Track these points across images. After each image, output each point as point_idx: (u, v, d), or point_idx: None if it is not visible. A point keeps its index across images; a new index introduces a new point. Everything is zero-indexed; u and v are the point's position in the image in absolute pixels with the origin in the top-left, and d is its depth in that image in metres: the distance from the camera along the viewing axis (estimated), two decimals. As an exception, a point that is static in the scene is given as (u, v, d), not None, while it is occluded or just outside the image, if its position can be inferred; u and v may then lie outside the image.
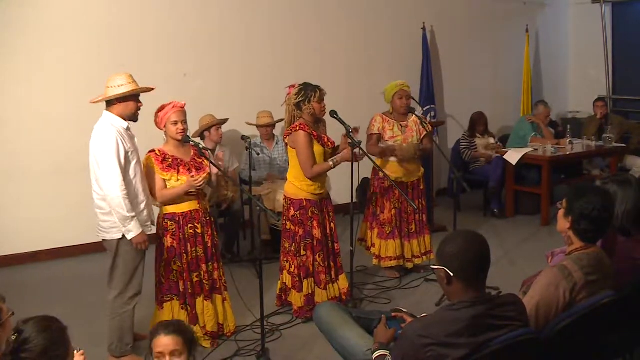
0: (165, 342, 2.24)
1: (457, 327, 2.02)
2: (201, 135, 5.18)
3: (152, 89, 3.48)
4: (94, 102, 3.42)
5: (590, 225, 2.42)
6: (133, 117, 3.43)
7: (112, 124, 3.33)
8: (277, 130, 5.73)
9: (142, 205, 3.44)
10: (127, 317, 3.48)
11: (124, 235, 3.36)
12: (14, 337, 1.85)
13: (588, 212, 2.40)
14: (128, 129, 3.40)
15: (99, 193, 3.34)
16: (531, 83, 8.04)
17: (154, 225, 3.62)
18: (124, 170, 3.30)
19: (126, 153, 3.31)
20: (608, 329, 2.45)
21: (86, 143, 3.36)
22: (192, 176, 3.54)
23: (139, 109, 3.44)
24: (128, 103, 3.36)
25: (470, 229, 2.28)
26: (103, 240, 3.44)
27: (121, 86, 3.31)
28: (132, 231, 3.32)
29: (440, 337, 2.01)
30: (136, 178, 3.40)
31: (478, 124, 6.83)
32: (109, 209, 3.32)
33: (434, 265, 2.19)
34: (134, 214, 3.31)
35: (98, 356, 3.46)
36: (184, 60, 5.80)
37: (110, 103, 3.37)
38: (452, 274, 2.09)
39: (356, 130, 3.96)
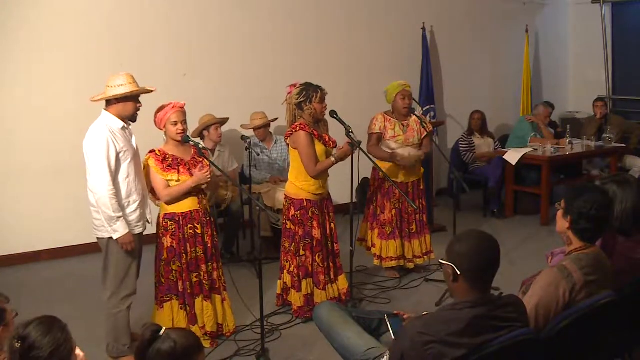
0: None
1: (458, 327, 2.03)
2: (200, 135, 5.18)
3: (152, 91, 3.48)
4: (93, 101, 3.42)
5: (588, 224, 2.43)
6: (131, 118, 3.43)
7: (106, 123, 3.33)
8: (276, 130, 5.73)
9: (135, 205, 3.43)
10: (122, 318, 3.47)
11: None
12: (18, 345, 1.81)
13: (587, 211, 2.41)
14: (124, 128, 3.40)
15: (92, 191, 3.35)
16: (531, 83, 8.04)
17: (149, 223, 3.60)
18: (115, 170, 3.30)
19: (117, 153, 3.30)
20: (608, 329, 2.45)
21: (86, 143, 3.35)
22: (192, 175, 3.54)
23: (138, 110, 3.43)
24: (127, 103, 3.36)
25: (483, 232, 2.23)
26: (97, 238, 3.44)
27: (121, 86, 3.31)
28: (118, 231, 3.32)
29: (442, 336, 2.02)
30: (129, 178, 3.38)
31: (471, 122, 6.84)
32: None
33: (442, 260, 2.19)
34: (120, 214, 3.30)
35: (98, 356, 3.46)
36: (184, 60, 5.81)
37: (109, 102, 3.37)
38: (459, 272, 2.10)
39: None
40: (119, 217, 3.30)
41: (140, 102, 3.43)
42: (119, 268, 3.43)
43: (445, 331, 2.02)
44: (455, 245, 2.15)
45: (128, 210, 3.39)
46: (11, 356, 1.83)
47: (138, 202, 3.44)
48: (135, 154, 3.47)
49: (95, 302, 4.14)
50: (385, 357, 2.29)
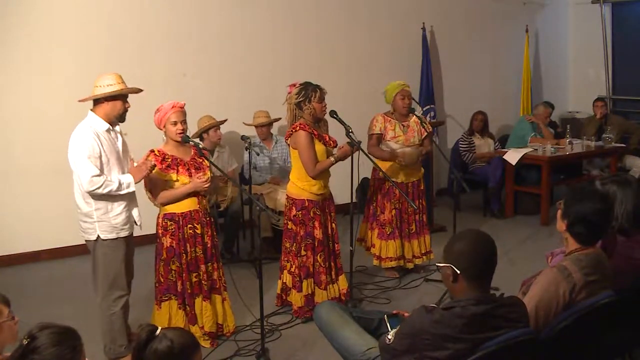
0: None
1: (459, 324, 2.04)
2: (200, 136, 5.18)
3: (141, 90, 3.44)
4: (82, 101, 3.39)
5: (584, 229, 2.43)
6: (120, 118, 3.39)
7: (91, 125, 3.29)
8: (277, 130, 5.73)
9: (120, 209, 3.37)
10: (116, 319, 3.45)
11: (98, 237, 3.33)
12: (25, 342, 1.83)
13: (582, 217, 2.41)
14: (109, 130, 3.35)
15: (78, 192, 3.32)
16: (531, 83, 8.05)
17: (137, 225, 3.54)
18: (100, 171, 3.25)
19: (101, 155, 3.27)
20: (608, 329, 2.45)
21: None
22: (192, 176, 3.53)
23: (127, 110, 3.39)
24: (116, 103, 3.32)
25: (478, 230, 2.26)
26: (85, 241, 3.42)
27: (110, 86, 3.27)
28: (131, 182, 3.29)
29: (442, 331, 2.03)
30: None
31: (473, 122, 6.84)
32: (86, 210, 3.31)
33: (440, 262, 2.19)
34: (119, 180, 3.27)
35: (98, 356, 3.46)
36: (184, 60, 5.81)
37: (97, 103, 3.32)
38: (458, 272, 2.10)
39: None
40: (122, 182, 3.27)
41: (128, 102, 3.39)
42: (108, 269, 3.39)
43: (446, 327, 2.04)
44: (453, 245, 2.17)
45: (112, 214, 3.34)
46: (15, 352, 1.84)
47: (124, 204, 3.38)
48: (120, 157, 3.41)
49: (95, 302, 4.14)
50: (390, 334, 2.27)
